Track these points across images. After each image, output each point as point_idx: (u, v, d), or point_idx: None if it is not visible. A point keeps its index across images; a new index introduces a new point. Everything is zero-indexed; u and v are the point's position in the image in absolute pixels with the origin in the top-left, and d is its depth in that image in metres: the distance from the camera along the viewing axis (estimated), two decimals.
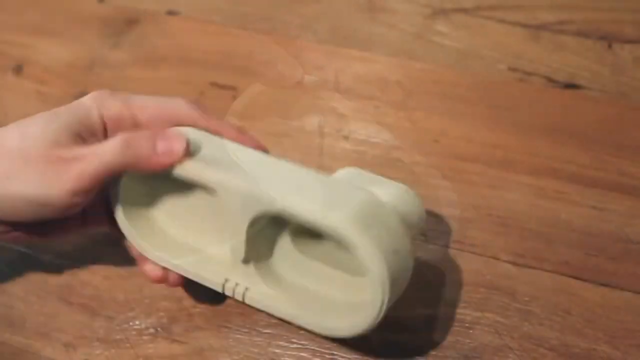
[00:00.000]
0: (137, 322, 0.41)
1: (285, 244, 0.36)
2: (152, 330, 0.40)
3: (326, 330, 0.33)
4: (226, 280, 0.35)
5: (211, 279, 0.36)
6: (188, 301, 0.41)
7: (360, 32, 0.53)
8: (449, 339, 0.38)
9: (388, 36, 0.53)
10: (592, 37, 0.51)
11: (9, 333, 0.41)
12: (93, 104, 0.35)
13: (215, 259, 0.36)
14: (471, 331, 0.38)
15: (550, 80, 0.49)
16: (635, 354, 0.37)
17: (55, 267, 0.43)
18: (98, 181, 0.32)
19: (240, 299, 0.35)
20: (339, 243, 0.31)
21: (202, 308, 0.41)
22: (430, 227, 0.42)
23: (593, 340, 0.37)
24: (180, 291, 0.41)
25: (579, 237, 0.41)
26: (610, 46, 0.50)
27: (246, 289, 0.35)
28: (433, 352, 0.38)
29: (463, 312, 0.39)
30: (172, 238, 0.37)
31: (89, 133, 0.34)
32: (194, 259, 0.36)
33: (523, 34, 0.52)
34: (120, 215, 0.36)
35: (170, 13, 0.57)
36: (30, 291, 0.42)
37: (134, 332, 0.40)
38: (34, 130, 0.33)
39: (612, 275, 0.40)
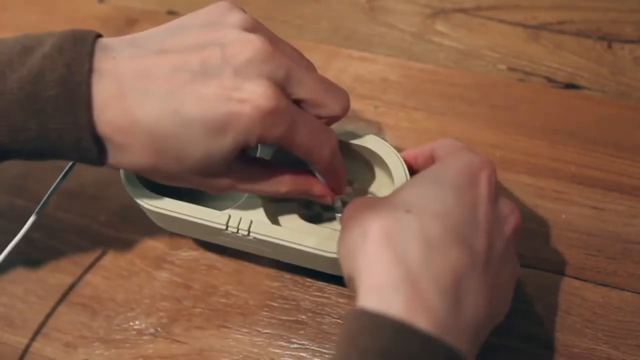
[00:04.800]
0: (137, 322, 0.41)
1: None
2: (152, 330, 0.40)
3: (333, 254, 0.34)
4: (229, 217, 0.35)
5: (214, 218, 0.36)
6: (188, 301, 0.41)
7: (360, 32, 0.53)
8: None
9: (388, 36, 0.53)
10: (592, 37, 0.51)
11: (9, 333, 0.41)
12: (258, 131, 0.30)
13: (216, 204, 0.37)
14: None
15: (550, 80, 0.49)
16: (635, 354, 0.37)
17: (56, 267, 0.43)
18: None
19: (245, 232, 0.35)
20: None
21: (202, 308, 0.41)
22: None
23: (593, 340, 0.37)
24: (180, 291, 0.41)
25: (579, 237, 0.41)
26: (610, 46, 0.50)
27: (251, 221, 0.35)
28: None
29: None
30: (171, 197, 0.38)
31: (239, 153, 0.32)
32: (195, 206, 0.36)
33: (523, 34, 0.52)
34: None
35: (170, 13, 0.57)
36: (30, 291, 0.42)
37: (134, 332, 0.40)
38: (187, 158, 0.31)
39: (612, 275, 0.40)
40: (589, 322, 0.38)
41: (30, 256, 0.44)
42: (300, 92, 0.32)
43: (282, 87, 0.31)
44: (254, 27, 0.32)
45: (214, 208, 0.36)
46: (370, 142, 0.36)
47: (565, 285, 0.40)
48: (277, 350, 0.39)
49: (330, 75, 0.50)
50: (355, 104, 0.49)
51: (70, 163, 0.38)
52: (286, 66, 0.31)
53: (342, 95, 0.34)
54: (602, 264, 0.40)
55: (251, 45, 0.30)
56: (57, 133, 0.30)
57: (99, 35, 0.32)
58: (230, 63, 0.30)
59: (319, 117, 0.33)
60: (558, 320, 0.38)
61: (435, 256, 0.27)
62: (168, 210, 0.36)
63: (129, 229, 0.44)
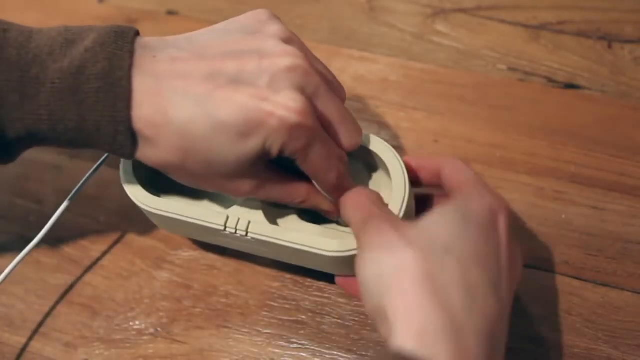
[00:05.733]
0: (137, 322, 0.41)
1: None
2: (152, 330, 0.40)
3: (331, 252, 0.34)
4: (228, 218, 0.35)
5: (212, 219, 0.36)
6: (188, 301, 0.41)
7: (360, 32, 0.53)
8: None
9: (388, 36, 0.53)
10: (592, 37, 0.51)
11: (9, 333, 0.41)
12: (281, 140, 0.31)
13: (214, 208, 0.37)
14: None
15: (550, 80, 0.49)
16: (635, 354, 0.37)
17: (56, 267, 0.43)
18: None
19: (243, 233, 0.35)
20: None
21: (202, 308, 0.41)
22: None
23: (593, 340, 0.37)
24: (180, 291, 0.41)
25: (579, 237, 0.41)
26: (610, 46, 0.50)
27: (249, 222, 0.35)
28: None
29: None
30: (170, 198, 0.38)
31: (261, 159, 0.32)
32: (193, 207, 0.36)
33: (523, 34, 0.52)
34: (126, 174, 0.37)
35: (170, 13, 0.57)
36: (30, 291, 0.42)
37: (134, 332, 0.40)
38: (215, 160, 0.32)
39: (612, 275, 0.40)
40: (589, 322, 0.38)
41: (30, 256, 0.44)
42: (321, 113, 0.33)
43: (310, 101, 0.32)
44: (291, 39, 0.33)
45: (212, 210, 0.36)
46: (369, 141, 0.36)
47: (565, 285, 0.40)
48: (277, 351, 0.39)
49: None
50: (355, 104, 0.49)
51: (105, 155, 0.39)
52: (317, 83, 0.32)
53: (356, 132, 0.34)
54: (602, 264, 0.40)
55: (288, 56, 0.31)
56: (95, 125, 0.31)
57: (138, 32, 0.33)
58: (266, 72, 0.31)
59: None
60: (558, 320, 0.38)
61: (476, 305, 0.27)
62: (166, 212, 0.36)
63: (129, 229, 0.44)
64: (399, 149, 0.36)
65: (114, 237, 0.44)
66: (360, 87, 0.50)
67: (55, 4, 0.59)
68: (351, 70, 0.51)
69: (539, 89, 0.48)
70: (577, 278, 0.40)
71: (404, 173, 0.35)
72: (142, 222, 0.44)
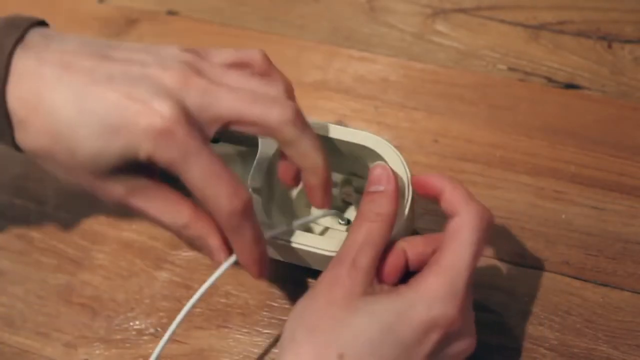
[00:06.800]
0: (137, 322, 0.41)
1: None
2: (152, 330, 0.40)
3: (333, 252, 0.34)
4: None
5: None
6: (188, 301, 0.41)
7: (360, 32, 0.53)
8: None
9: (388, 36, 0.53)
10: (592, 37, 0.51)
11: (9, 333, 0.41)
12: (147, 146, 0.30)
13: None
14: None
15: (550, 80, 0.49)
16: (635, 354, 0.37)
17: (55, 267, 0.43)
18: None
19: None
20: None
21: (202, 308, 0.41)
22: (430, 228, 0.42)
23: (593, 340, 0.37)
24: (180, 291, 0.41)
25: (579, 237, 0.41)
26: (610, 46, 0.50)
27: None
28: None
29: None
30: None
31: (133, 166, 0.31)
32: None
33: (523, 34, 0.52)
34: None
35: (170, 13, 0.57)
36: (30, 291, 0.42)
37: (134, 332, 0.40)
38: (80, 151, 0.31)
39: (612, 275, 0.40)
40: (589, 322, 0.38)
41: (30, 256, 0.44)
42: (214, 112, 0.31)
43: (194, 115, 0.30)
44: (193, 51, 0.33)
45: None
46: (369, 140, 0.36)
47: (565, 285, 0.40)
48: (277, 350, 0.39)
49: (331, 75, 0.50)
50: (355, 104, 0.49)
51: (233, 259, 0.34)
52: (202, 90, 0.31)
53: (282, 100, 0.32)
54: (602, 264, 0.40)
55: (181, 71, 0.31)
56: None
57: (44, 23, 0.34)
58: (149, 78, 0.31)
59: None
60: (558, 320, 0.38)
61: None
62: None
63: (129, 229, 0.44)
64: (399, 149, 0.36)
65: (114, 237, 0.44)
66: (360, 87, 0.50)
67: (55, 4, 0.59)
68: (351, 70, 0.51)
69: (539, 89, 0.48)
70: (577, 278, 0.40)
71: (406, 171, 0.35)
72: (142, 222, 0.44)
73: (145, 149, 0.29)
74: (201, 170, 0.30)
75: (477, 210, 0.31)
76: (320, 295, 0.31)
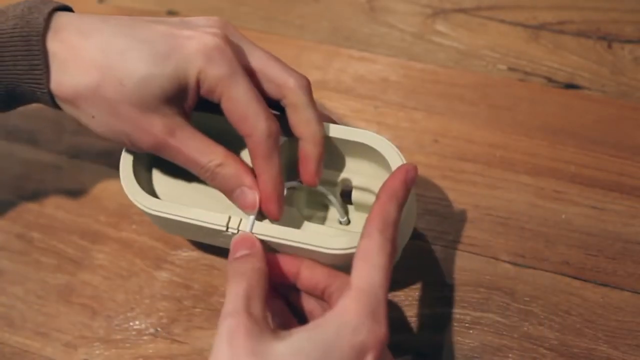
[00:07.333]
0: (137, 322, 0.41)
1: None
2: (152, 330, 0.40)
3: (335, 250, 0.34)
4: (230, 218, 0.35)
5: (214, 220, 0.35)
6: (188, 301, 0.41)
7: (360, 32, 0.53)
8: (449, 339, 0.38)
9: (388, 36, 0.53)
10: (592, 37, 0.51)
11: (9, 333, 0.41)
12: (199, 63, 0.32)
13: (215, 209, 0.37)
14: (471, 331, 0.38)
15: (550, 80, 0.49)
16: (635, 354, 0.37)
17: (55, 267, 0.43)
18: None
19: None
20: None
21: (202, 308, 0.41)
22: (430, 227, 0.42)
23: (593, 340, 0.37)
24: (180, 291, 0.41)
25: (579, 237, 0.41)
26: (610, 46, 0.50)
27: (253, 221, 0.35)
28: (433, 352, 0.38)
29: (463, 312, 0.39)
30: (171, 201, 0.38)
31: (177, 95, 0.33)
32: (194, 209, 0.36)
33: (523, 34, 0.52)
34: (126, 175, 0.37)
35: (170, 13, 0.57)
36: (30, 291, 0.42)
37: (134, 332, 0.40)
38: (129, 78, 0.32)
39: (612, 275, 0.40)
40: (589, 322, 0.38)
41: (30, 256, 0.44)
42: (247, 59, 0.34)
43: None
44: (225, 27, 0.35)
45: (213, 211, 0.36)
46: (370, 139, 0.36)
47: (565, 285, 0.40)
48: None
49: (331, 75, 0.51)
50: (355, 104, 0.49)
51: None
52: (238, 39, 0.35)
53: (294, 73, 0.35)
54: (602, 264, 0.40)
55: (215, 30, 0.34)
56: (8, 37, 0.32)
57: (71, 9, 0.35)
58: (188, 25, 0.34)
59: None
60: (558, 320, 0.38)
61: None
62: (167, 213, 0.36)
63: (129, 229, 0.44)
64: (399, 149, 0.37)
65: (114, 237, 0.44)
66: (360, 87, 0.50)
67: None
68: (351, 70, 0.51)
69: (539, 88, 0.48)
70: (577, 278, 0.40)
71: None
72: (142, 222, 0.44)
73: (196, 65, 0.32)
74: (245, 88, 0.32)
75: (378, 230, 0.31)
76: (226, 348, 0.28)
